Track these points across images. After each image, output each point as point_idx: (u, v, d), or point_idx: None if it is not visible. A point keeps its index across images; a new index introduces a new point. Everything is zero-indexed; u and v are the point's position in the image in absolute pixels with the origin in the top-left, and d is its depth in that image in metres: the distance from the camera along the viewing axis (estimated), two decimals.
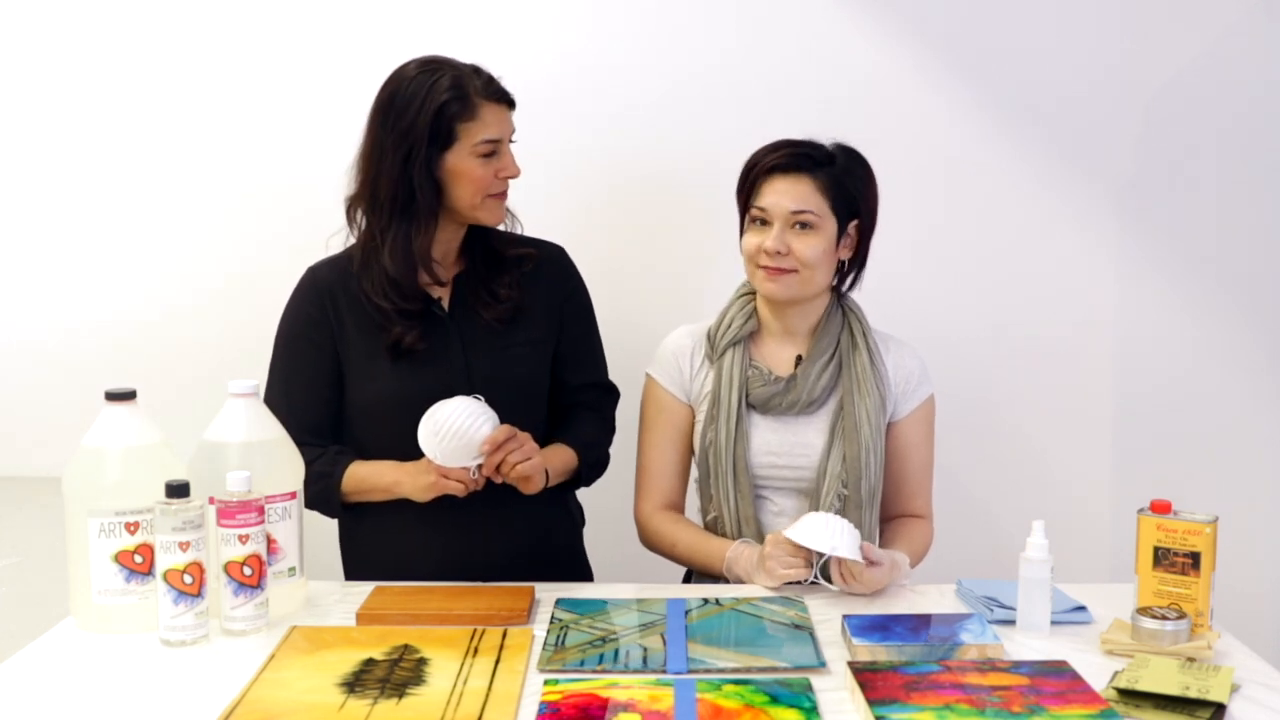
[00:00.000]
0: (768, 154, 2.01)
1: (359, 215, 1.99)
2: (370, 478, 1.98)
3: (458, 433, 1.84)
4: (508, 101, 1.97)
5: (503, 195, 1.99)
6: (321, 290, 2.02)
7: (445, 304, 2.02)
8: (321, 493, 1.99)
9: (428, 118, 1.90)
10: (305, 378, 2.03)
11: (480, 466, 1.88)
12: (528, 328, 2.05)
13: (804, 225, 1.97)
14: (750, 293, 2.10)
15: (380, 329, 1.98)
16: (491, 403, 1.91)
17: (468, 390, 1.95)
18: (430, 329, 1.99)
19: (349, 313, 2.00)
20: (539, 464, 1.92)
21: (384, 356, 1.98)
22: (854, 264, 2.08)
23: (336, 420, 2.05)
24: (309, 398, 2.02)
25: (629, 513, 2.15)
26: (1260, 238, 2.61)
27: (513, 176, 1.98)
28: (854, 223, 2.02)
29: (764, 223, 2.00)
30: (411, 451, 1.90)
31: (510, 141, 1.99)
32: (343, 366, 2.02)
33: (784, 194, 1.98)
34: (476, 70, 1.95)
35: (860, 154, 2.05)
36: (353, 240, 2.02)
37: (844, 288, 2.10)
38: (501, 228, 2.06)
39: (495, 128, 1.94)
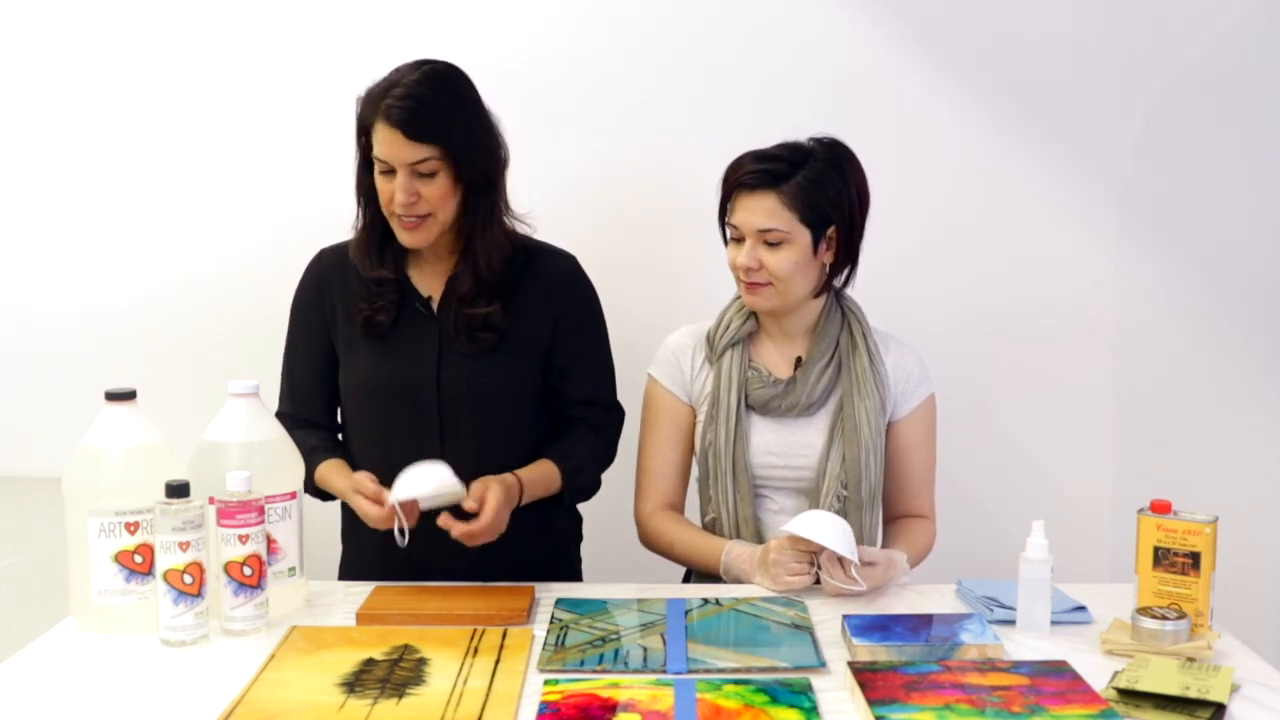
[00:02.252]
0: (737, 169, 1.99)
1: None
2: (332, 489, 2.01)
3: (440, 474, 1.81)
4: (405, 129, 1.85)
5: (407, 222, 1.91)
6: (321, 274, 2.07)
7: (434, 304, 2.01)
8: (312, 492, 2.04)
9: (358, 118, 1.95)
10: (304, 356, 2.08)
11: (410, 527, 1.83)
12: (513, 337, 2.01)
13: (773, 242, 1.97)
14: None
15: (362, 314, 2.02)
16: (466, 409, 1.98)
17: (435, 389, 1.98)
18: (414, 324, 2.00)
19: (340, 299, 2.04)
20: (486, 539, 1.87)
21: (362, 342, 2.01)
22: (844, 262, 2.05)
23: (334, 400, 2.10)
24: (306, 376, 2.08)
25: (627, 514, 2.15)
26: (1260, 237, 2.61)
27: (391, 205, 1.90)
28: (832, 228, 2.00)
29: (739, 238, 2.00)
30: (382, 440, 1.99)
31: (421, 174, 1.88)
32: (335, 351, 2.06)
33: (751, 211, 1.97)
34: (404, 87, 1.87)
35: (842, 150, 2.01)
36: None
37: (838, 284, 2.08)
38: (520, 227, 2.03)
39: (381, 148, 1.89)
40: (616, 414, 2.15)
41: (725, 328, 2.09)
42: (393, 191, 1.90)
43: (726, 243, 2.05)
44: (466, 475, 1.84)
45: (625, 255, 2.56)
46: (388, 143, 1.88)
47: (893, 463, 2.10)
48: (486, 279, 1.98)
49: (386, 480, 1.84)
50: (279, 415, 1.96)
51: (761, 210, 1.96)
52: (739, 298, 2.10)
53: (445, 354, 1.99)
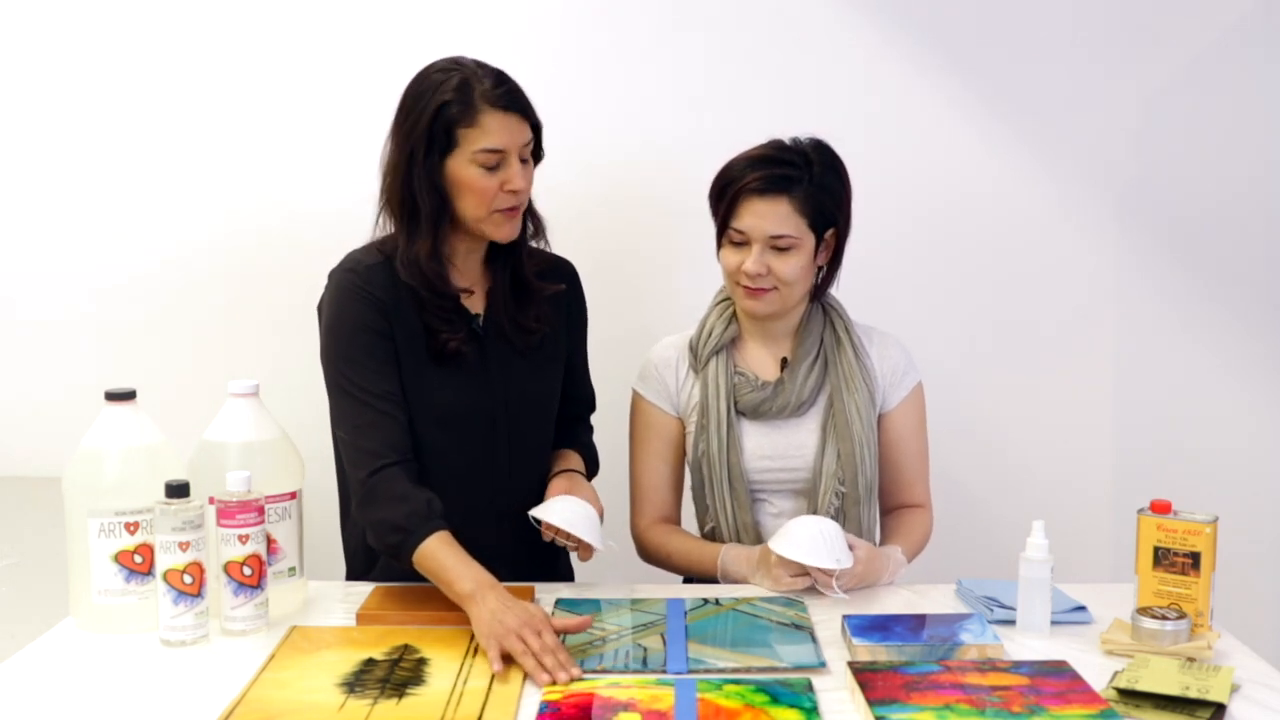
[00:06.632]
0: (745, 173, 1.96)
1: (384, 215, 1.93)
2: (445, 571, 1.72)
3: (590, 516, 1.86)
4: (519, 111, 1.84)
5: (513, 211, 1.87)
6: (377, 296, 1.87)
7: (481, 321, 1.96)
8: (394, 547, 1.78)
9: (427, 119, 1.82)
10: (394, 389, 1.86)
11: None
12: (549, 346, 2.02)
13: (783, 247, 1.96)
14: (728, 299, 2.09)
15: (427, 333, 1.89)
16: (524, 418, 1.94)
17: (504, 408, 1.94)
18: (470, 343, 1.93)
19: (399, 322, 1.87)
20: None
21: (430, 366, 1.90)
22: (834, 264, 2.06)
23: None
24: (398, 410, 1.85)
25: (621, 522, 2.15)
26: (1260, 236, 2.61)
27: (515, 190, 1.84)
28: (830, 231, 2.00)
29: (742, 243, 1.98)
30: (444, 471, 1.87)
31: (525, 158, 1.87)
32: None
33: (763, 217, 1.95)
34: (493, 75, 1.84)
35: (833, 153, 2.01)
36: (378, 234, 1.95)
37: (820, 284, 2.07)
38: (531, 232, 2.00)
39: (497, 136, 1.81)
40: (594, 403, 2.19)
41: (708, 335, 2.07)
42: (500, 183, 1.83)
43: (720, 244, 2.03)
44: (526, 483, 1.94)
45: (620, 259, 2.56)
46: (505, 129, 1.82)
47: (886, 454, 2.10)
48: (529, 285, 1.96)
49: (451, 506, 1.80)
50: (381, 475, 1.78)
51: (774, 216, 1.95)
52: (719, 303, 2.10)
53: (508, 371, 1.95)
